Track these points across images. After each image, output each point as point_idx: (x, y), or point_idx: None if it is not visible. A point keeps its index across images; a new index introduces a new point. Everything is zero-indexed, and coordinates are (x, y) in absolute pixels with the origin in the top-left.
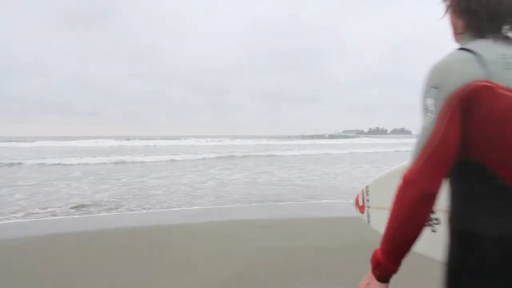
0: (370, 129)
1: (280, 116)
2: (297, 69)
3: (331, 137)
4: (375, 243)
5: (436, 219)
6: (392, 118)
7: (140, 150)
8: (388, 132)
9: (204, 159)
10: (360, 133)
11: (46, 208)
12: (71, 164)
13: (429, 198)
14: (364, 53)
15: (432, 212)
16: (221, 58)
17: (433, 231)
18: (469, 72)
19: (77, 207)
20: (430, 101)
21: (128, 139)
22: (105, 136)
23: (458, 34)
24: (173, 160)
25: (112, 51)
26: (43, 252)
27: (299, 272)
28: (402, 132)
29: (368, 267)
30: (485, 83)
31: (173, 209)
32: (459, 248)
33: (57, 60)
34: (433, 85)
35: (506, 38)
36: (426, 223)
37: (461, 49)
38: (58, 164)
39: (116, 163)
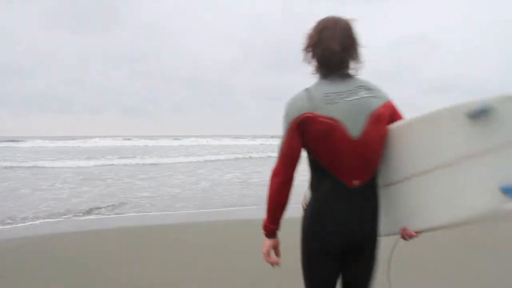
0: None
1: (279, 115)
2: (297, 68)
3: None
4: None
5: None
6: None
7: (138, 151)
8: None
9: (205, 161)
10: None
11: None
12: (53, 167)
13: (287, 183)
14: (364, 52)
15: (291, 190)
16: (222, 57)
17: None
18: (302, 106)
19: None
20: (283, 125)
21: (127, 138)
22: (104, 135)
23: (313, 75)
24: (173, 163)
25: (111, 50)
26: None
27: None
28: None
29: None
30: (309, 114)
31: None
32: (309, 201)
33: (56, 59)
34: (284, 115)
35: (343, 78)
36: (288, 198)
37: (305, 89)
38: (43, 167)
39: (112, 165)
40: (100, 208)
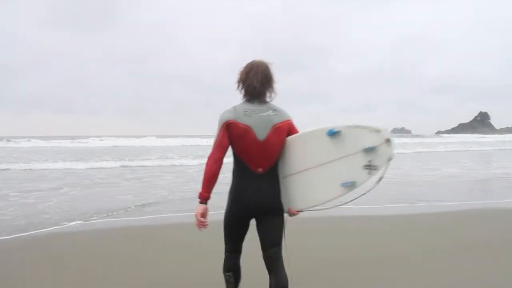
0: None
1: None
2: (296, 68)
3: None
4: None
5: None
6: (391, 118)
7: (134, 152)
8: (389, 131)
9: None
10: None
11: None
12: (46, 169)
13: (218, 163)
14: (364, 52)
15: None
16: (222, 56)
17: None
18: (229, 116)
19: None
20: (218, 126)
21: (126, 138)
22: (103, 135)
23: (243, 95)
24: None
25: (111, 50)
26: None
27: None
28: (403, 131)
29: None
30: (233, 121)
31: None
32: (232, 181)
33: (55, 60)
34: (218, 121)
35: (259, 102)
36: (218, 174)
37: (233, 106)
38: (33, 169)
39: (102, 168)
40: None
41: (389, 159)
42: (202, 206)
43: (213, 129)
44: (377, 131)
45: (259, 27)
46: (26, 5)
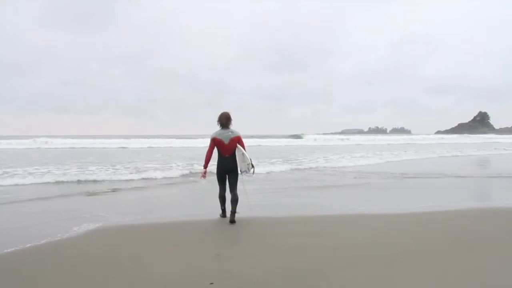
0: (369, 128)
1: (279, 115)
2: (297, 68)
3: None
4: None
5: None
6: (391, 117)
7: (123, 154)
8: (388, 131)
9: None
10: (360, 132)
11: None
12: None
13: (210, 152)
14: (364, 52)
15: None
16: (221, 56)
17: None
18: (215, 134)
19: None
20: (210, 139)
21: (128, 138)
22: (105, 135)
23: (219, 126)
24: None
25: (111, 50)
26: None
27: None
28: (402, 131)
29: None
30: (215, 137)
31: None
32: (217, 160)
33: (55, 60)
34: (210, 136)
35: (226, 128)
36: (210, 159)
37: (216, 131)
38: None
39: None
40: None
41: (252, 169)
42: (204, 169)
43: (209, 130)
44: (250, 159)
45: (258, 26)
46: (24, 4)
